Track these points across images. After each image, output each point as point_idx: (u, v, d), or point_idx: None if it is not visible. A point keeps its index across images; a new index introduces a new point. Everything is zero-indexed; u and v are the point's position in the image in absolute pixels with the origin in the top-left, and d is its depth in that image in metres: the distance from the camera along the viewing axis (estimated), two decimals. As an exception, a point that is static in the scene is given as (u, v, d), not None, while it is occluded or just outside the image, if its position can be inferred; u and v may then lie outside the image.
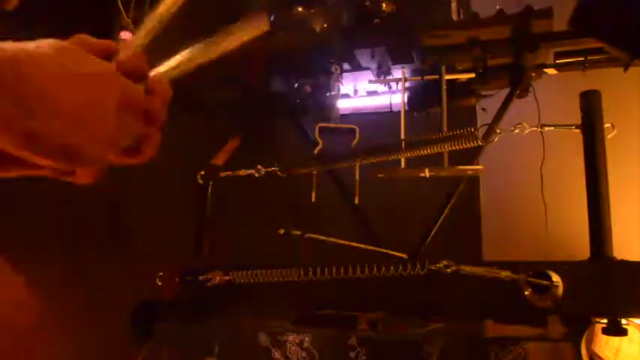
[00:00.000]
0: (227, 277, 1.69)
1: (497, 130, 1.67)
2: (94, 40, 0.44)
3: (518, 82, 1.78)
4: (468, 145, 1.64)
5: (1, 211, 1.71)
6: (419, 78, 1.98)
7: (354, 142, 2.00)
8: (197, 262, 1.87)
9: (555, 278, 1.28)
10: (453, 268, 1.36)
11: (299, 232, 1.77)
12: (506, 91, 1.82)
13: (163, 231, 2.20)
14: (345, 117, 2.23)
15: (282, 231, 1.78)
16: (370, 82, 2.15)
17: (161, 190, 2.26)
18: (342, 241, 1.73)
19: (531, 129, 1.70)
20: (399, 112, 1.89)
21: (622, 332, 1.32)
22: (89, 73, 0.41)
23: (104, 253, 2.22)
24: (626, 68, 1.68)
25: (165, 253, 2.04)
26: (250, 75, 2.14)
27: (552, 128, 1.71)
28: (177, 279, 1.79)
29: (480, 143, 1.64)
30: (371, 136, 2.01)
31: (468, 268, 1.34)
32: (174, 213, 2.19)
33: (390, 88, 2.15)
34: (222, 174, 1.93)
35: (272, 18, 2.02)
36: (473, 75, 1.86)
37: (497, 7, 1.80)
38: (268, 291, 1.66)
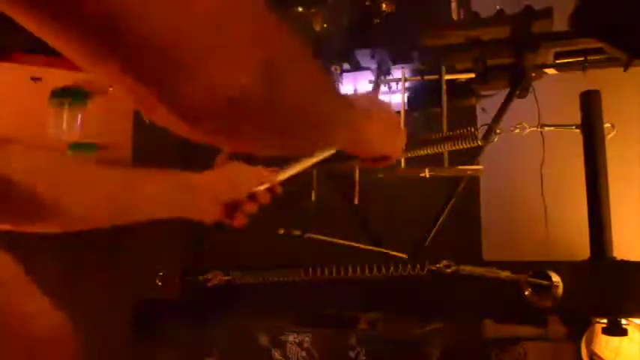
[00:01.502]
0: (227, 277, 1.69)
1: (497, 130, 1.67)
2: None
3: (518, 82, 1.78)
4: (468, 145, 1.64)
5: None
6: (419, 78, 1.98)
7: (354, 142, 1.99)
8: (197, 262, 1.87)
9: (555, 278, 1.28)
10: (453, 268, 1.36)
11: (299, 232, 1.77)
12: (506, 91, 1.82)
13: (163, 231, 2.20)
14: (345, 117, 2.23)
15: (282, 231, 1.78)
16: (370, 82, 2.15)
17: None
18: (342, 241, 1.73)
19: (531, 129, 1.70)
20: (399, 112, 1.89)
21: (622, 332, 1.32)
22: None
23: (104, 253, 2.22)
24: (626, 68, 1.67)
25: (166, 253, 2.04)
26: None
27: (552, 128, 1.71)
28: (177, 279, 1.79)
29: (480, 143, 1.64)
30: (371, 136, 2.00)
31: (468, 268, 1.34)
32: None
33: (390, 88, 2.15)
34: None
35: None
36: (473, 75, 1.86)
37: (497, 7, 1.80)
38: (268, 291, 1.66)
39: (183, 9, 0.34)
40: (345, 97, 0.70)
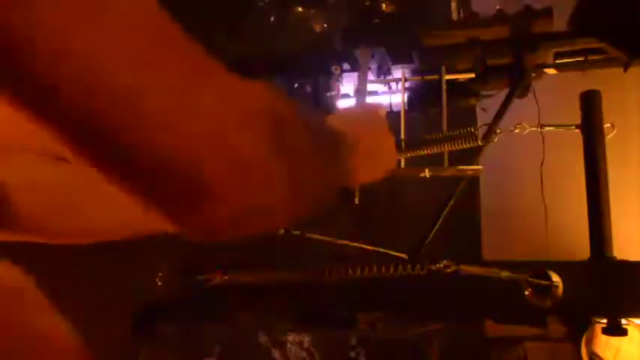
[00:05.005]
0: (227, 277, 1.69)
1: (497, 130, 1.67)
2: None
3: (518, 82, 1.78)
4: (468, 145, 1.64)
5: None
6: (419, 78, 1.98)
7: (354, 142, 1.99)
8: (197, 262, 1.86)
9: (555, 278, 1.28)
10: (453, 268, 1.36)
11: (299, 232, 1.77)
12: (506, 91, 1.82)
13: (163, 231, 2.20)
14: (345, 117, 2.23)
15: (282, 231, 1.78)
16: (370, 82, 2.15)
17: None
18: (342, 241, 1.73)
19: (531, 129, 1.70)
20: (399, 112, 1.89)
21: (622, 332, 1.32)
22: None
23: (104, 253, 2.21)
24: (626, 68, 1.68)
25: (166, 253, 2.04)
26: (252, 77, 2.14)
27: (552, 128, 1.71)
28: (177, 279, 1.79)
29: (480, 143, 1.64)
30: (371, 136, 2.00)
31: (468, 268, 1.34)
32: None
33: (390, 88, 2.15)
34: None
35: (272, 18, 2.02)
36: (473, 75, 1.86)
37: (497, 7, 1.80)
38: (268, 291, 1.66)
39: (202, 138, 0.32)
40: (335, 136, 0.56)
